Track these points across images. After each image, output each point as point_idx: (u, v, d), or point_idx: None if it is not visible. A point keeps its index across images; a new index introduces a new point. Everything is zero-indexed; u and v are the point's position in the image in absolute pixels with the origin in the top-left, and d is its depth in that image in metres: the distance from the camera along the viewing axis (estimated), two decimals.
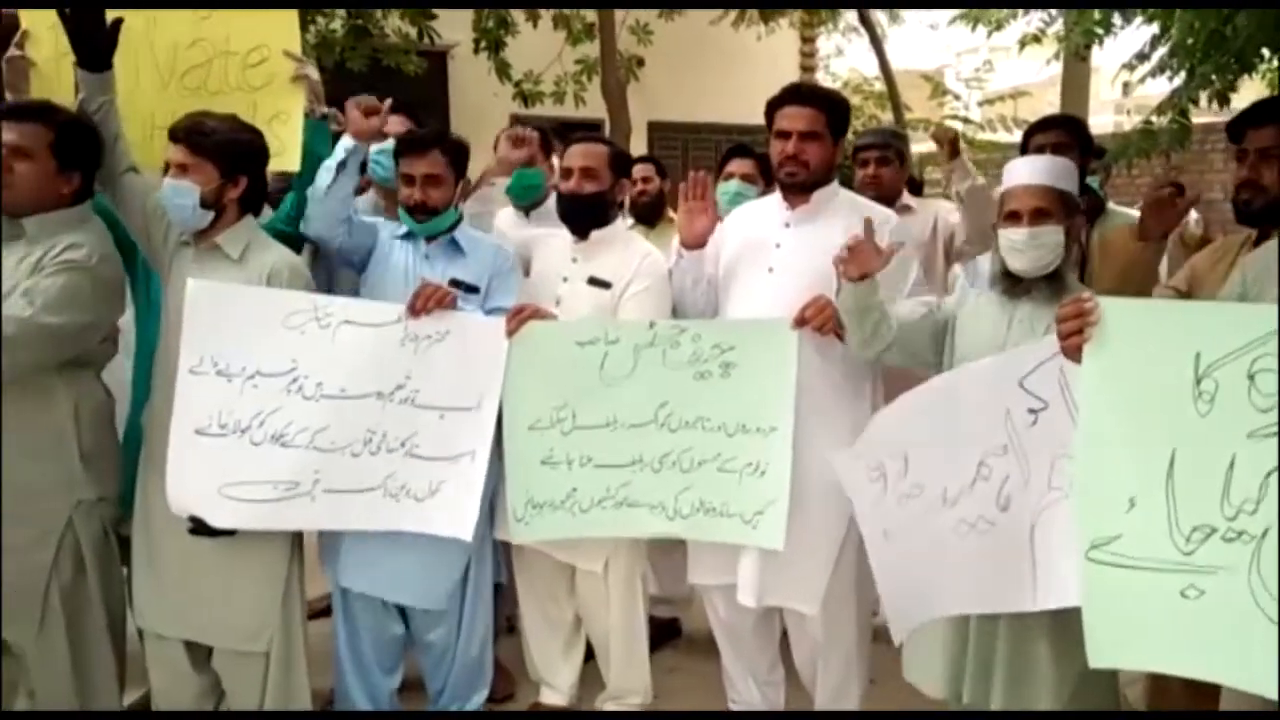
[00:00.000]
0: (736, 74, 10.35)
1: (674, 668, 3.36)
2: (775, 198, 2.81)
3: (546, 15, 7.71)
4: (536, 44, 7.72)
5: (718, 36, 9.79)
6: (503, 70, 7.50)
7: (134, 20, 2.76)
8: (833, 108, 2.71)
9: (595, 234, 2.82)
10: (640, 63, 8.08)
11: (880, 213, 2.71)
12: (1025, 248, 2.22)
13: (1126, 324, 1.91)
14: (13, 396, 2.34)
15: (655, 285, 2.78)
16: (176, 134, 2.48)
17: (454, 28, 7.65)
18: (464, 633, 2.84)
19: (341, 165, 2.64)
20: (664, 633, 3.48)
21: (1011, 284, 2.29)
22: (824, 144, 2.66)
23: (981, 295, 2.42)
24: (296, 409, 2.48)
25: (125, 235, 2.63)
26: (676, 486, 2.58)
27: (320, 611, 3.19)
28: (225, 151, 2.49)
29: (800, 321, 2.50)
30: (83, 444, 2.45)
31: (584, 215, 2.82)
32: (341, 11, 7.08)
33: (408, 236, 2.79)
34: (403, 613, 2.83)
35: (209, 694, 2.70)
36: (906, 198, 3.56)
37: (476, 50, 7.52)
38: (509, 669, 3.23)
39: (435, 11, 7.27)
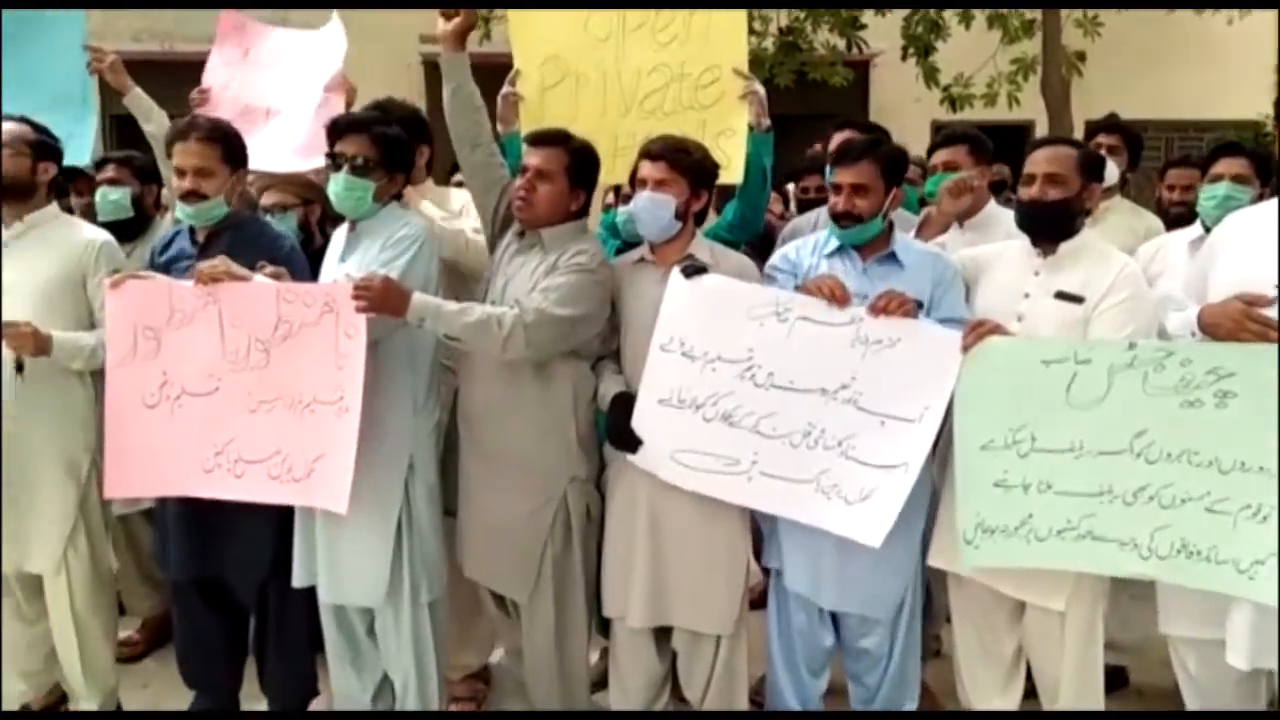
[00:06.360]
0: (1196, 64, 9.21)
1: None
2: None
3: (980, 16, 7.36)
4: (964, 46, 7.39)
5: (1174, 24, 8.76)
6: (930, 75, 7.30)
7: (604, 53, 3.08)
8: None
9: (1064, 246, 2.66)
10: (1082, 57, 7.45)
11: None
12: None
13: None
14: (526, 381, 2.73)
15: (1135, 298, 2.56)
16: (655, 152, 2.73)
17: (879, 36, 7.59)
18: (897, 644, 2.81)
19: None
20: (1109, 681, 3.18)
21: None
22: None
23: None
24: (747, 394, 2.64)
25: None
26: (1153, 523, 2.36)
27: (753, 602, 3.33)
28: (697, 169, 2.73)
29: None
30: (579, 426, 2.79)
31: (1048, 225, 2.67)
32: (774, 30, 7.32)
33: (839, 251, 2.78)
34: (835, 620, 2.85)
35: (664, 681, 2.92)
36: None
37: (904, 56, 7.38)
38: (933, 691, 3.16)
39: (865, 21, 7.27)
